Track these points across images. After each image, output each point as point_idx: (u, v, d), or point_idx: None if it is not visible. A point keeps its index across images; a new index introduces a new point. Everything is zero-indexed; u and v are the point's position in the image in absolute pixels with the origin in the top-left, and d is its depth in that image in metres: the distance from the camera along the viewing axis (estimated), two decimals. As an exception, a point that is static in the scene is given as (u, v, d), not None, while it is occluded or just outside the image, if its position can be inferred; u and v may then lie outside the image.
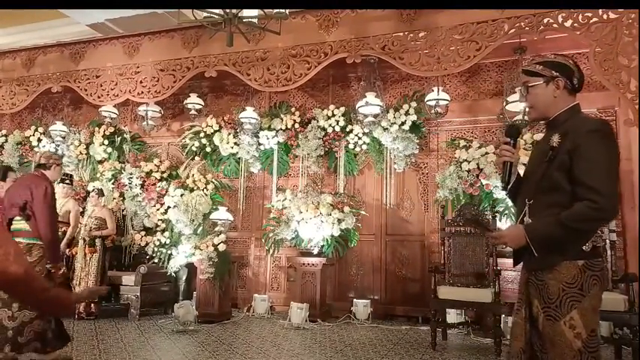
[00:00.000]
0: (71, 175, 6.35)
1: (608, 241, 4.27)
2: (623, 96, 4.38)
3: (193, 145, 6.81)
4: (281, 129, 6.43)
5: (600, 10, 4.41)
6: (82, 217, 6.01)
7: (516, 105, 5.05)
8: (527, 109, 1.95)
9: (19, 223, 3.59)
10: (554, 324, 1.74)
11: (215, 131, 6.69)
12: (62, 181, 6.07)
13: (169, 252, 5.94)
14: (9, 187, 3.94)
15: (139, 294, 5.63)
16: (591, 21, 4.40)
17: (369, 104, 5.70)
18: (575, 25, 4.45)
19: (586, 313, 1.72)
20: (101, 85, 6.23)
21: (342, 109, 6.23)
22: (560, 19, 4.49)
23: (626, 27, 4.33)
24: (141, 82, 6.04)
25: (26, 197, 3.58)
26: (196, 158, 6.77)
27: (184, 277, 6.04)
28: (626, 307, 3.80)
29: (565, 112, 1.88)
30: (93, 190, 5.96)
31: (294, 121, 6.38)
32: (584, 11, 4.44)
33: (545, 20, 4.52)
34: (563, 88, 1.88)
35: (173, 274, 5.95)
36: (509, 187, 2.00)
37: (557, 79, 1.87)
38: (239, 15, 4.20)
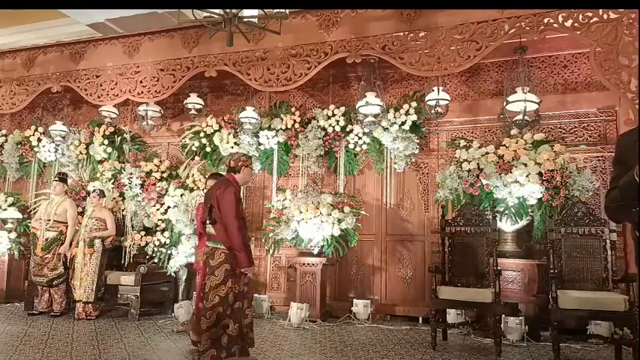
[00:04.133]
0: (65, 174, 6.35)
1: (608, 241, 4.28)
2: (623, 96, 4.39)
3: (193, 144, 6.79)
4: (281, 129, 6.41)
5: (600, 10, 4.40)
6: (82, 217, 6.01)
7: (517, 105, 5.04)
8: None
9: (208, 227, 3.60)
10: None
11: (215, 131, 6.67)
12: (57, 179, 6.08)
13: (169, 252, 5.92)
14: (208, 190, 3.97)
15: (138, 294, 5.62)
16: (592, 21, 4.40)
17: (369, 104, 5.68)
18: (576, 24, 4.45)
19: None
20: (101, 85, 6.24)
21: (342, 108, 6.21)
22: (560, 19, 4.49)
23: (627, 27, 4.33)
24: (141, 81, 6.04)
25: (212, 201, 3.56)
26: (196, 158, 6.75)
27: (184, 277, 6.01)
28: (626, 308, 3.79)
29: None
30: (94, 191, 5.95)
31: (294, 121, 6.36)
32: (584, 11, 4.44)
33: (546, 20, 4.52)
34: None
35: (173, 274, 5.93)
36: None
37: None
38: (239, 15, 4.20)
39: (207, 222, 3.58)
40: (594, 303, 3.92)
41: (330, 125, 6.20)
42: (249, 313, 3.72)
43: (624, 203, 1.71)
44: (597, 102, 5.46)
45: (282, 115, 6.47)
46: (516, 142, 4.92)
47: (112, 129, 7.20)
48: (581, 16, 4.44)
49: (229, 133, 6.58)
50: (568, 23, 4.48)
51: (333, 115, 6.22)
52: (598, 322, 4.46)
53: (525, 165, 4.74)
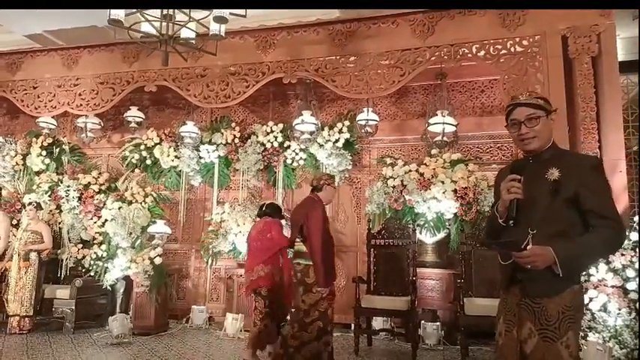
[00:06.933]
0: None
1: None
2: (528, 121, 4.87)
3: (133, 157, 6.84)
4: (221, 143, 6.58)
5: (509, 43, 4.87)
6: (17, 229, 5.94)
7: (437, 126, 5.46)
8: (526, 140, 1.97)
9: (299, 245, 3.70)
10: (551, 345, 1.81)
11: (156, 144, 6.76)
12: None
13: (106, 265, 5.95)
14: (295, 208, 4.07)
15: (74, 307, 5.62)
16: (501, 52, 4.86)
17: (305, 122, 5.97)
18: (487, 55, 4.91)
19: (577, 333, 1.86)
20: (38, 97, 6.20)
21: (281, 125, 6.46)
22: (474, 50, 4.93)
23: (530, 59, 4.81)
24: (80, 94, 6.06)
25: (303, 220, 3.68)
26: (136, 170, 6.80)
27: (122, 290, 6.05)
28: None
29: (553, 146, 2.00)
30: (30, 204, 5.91)
31: (235, 136, 6.55)
32: (494, 43, 4.90)
33: (462, 50, 4.95)
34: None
35: (109, 287, 5.96)
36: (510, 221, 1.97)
37: (552, 114, 2.00)
38: (175, 36, 4.36)
39: (298, 239, 3.75)
40: (495, 309, 4.33)
41: (268, 141, 6.43)
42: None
43: (488, 240, 2.10)
44: (507, 125, 5.96)
45: (222, 130, 6.64)
46: (436, 161, 5.34)
47: (50, 140, 7.12)
48: (492, 48, 4.90)
49: (170, 147, 6.69)
50: (481, 54, 4.93)
51: (272, 131, 6.46)
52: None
53: (443, 182, 5.15)
